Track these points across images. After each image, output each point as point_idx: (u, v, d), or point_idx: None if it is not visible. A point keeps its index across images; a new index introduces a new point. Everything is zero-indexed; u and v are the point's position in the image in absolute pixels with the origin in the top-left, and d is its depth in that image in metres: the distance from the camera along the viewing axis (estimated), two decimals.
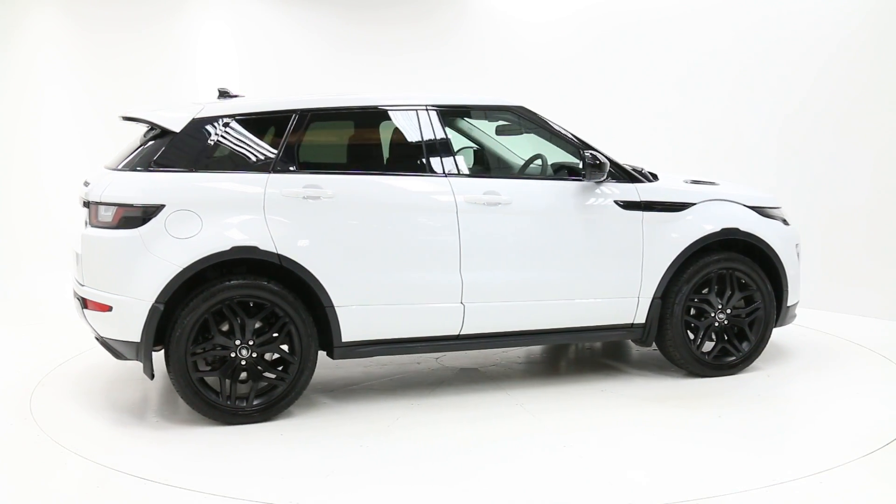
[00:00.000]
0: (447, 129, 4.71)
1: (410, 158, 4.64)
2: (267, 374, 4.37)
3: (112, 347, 4.33)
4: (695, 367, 5.00)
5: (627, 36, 8.31)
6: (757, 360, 5.18)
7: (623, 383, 4.98)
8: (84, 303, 4.34)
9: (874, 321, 6.53)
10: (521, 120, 4.93)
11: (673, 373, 5.14)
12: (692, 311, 5.07)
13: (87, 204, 4.34)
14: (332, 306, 4.36)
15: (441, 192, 4.53)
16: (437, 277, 4.51)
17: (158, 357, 4.36)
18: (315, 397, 4.77)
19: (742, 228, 5.00)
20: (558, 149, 4.93)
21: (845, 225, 6.95)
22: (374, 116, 4.74)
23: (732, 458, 3.86)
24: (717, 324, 5.03)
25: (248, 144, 4.41)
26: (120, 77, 8.59)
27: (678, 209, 4.92)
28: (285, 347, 4.41)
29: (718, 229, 4.94)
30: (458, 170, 4.63)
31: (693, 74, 7.88)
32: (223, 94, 4.74)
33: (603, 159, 4.70)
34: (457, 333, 4.60)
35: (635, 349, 5.76)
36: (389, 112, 4.72)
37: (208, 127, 4.36)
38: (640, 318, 4.89)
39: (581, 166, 4.77)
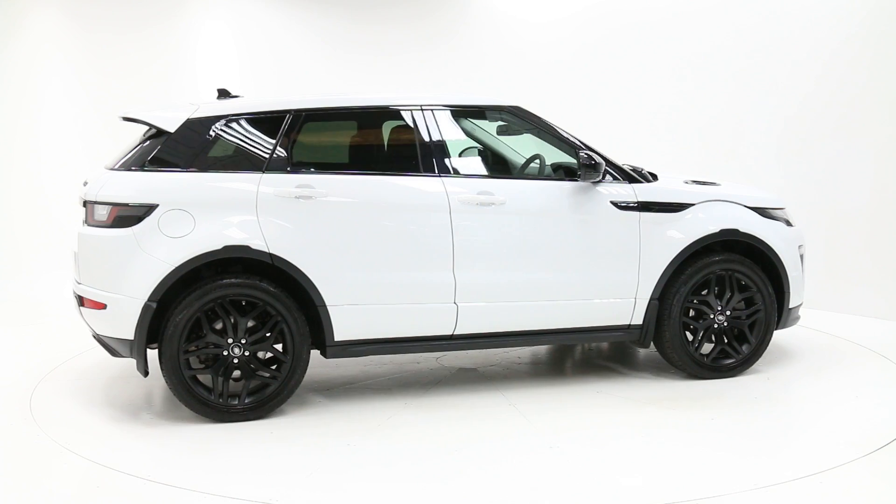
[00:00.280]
0: (450, 130, 4.71)
1: (404, 158, 4.64)
2: (260, 373, 4.39)
3: (108, 345, 4.40)
4: (693, 368, 4.97)
5: (628, 35, 8.28)
6: (756, 360, 5.14)
7: (620, 385, 4.95)
8: (81, 301, 4.41)
9: (874, 321, 6.50)
10: (516, 120, 4.91)
11: (672, 375, 5.10)
12: (691, 313, 5.03)
13: (84, 203, 4.41)
14: (325, 305, 4.37)
15: (434, 191, 4.52)
16: (430, 277, 4.50)
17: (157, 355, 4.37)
18: (309, 396, 4.77)
19: (741, 229, 4.96)
20: (556, 149, 4.91)
21: (846, 225, 6.92)
22: (367, 116, 4.76)
23: (730, 459, 3.82)
24: (716, 325, 5.00)
25: (241, 145, 4.44)
26: (120, 77, 8.59)
27: (676, 210, 4.89)
28: (279, 347, 4.42)
29: (717, 230, 4.90)
30: (451, 170, 4.63)
31: (694, 74, 7.86)
32: (223, 95, 4.78)
33: (598, 159, 4.68)
34: (451, 333, 4.59)
35: (645, 351, 5.71)
36: (383, 112, 4.73)
37: (203, 127, 4.40)
38: (637, 320, 4.86)
39: (577, 166, 4.75)
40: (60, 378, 5.22)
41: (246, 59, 9.08)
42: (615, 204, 4.78)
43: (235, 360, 4.32)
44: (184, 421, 4.36)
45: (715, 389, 4.83)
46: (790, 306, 5.13)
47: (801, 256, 5.23)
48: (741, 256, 4.99)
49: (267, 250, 4.27)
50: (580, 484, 3.55)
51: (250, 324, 4.35)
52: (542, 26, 8.79)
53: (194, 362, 4.52)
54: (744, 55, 7.51)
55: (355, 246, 4.41)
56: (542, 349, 5.84)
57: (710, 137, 7.78)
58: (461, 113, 4.95)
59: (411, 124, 4.66)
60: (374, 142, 4.84)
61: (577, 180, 4.75)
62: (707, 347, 5.06)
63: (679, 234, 4.86)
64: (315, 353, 4.61)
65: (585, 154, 4.68)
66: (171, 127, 4.38)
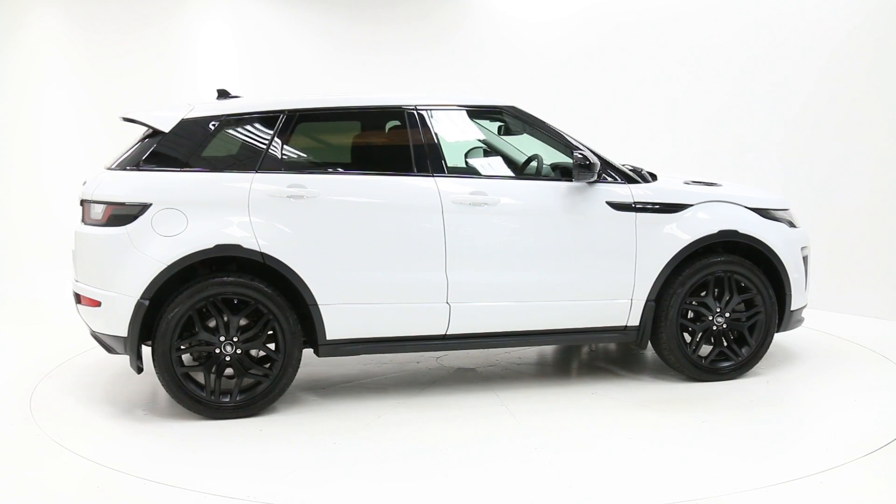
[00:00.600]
0: (444, 130, 4.70)
1: (396, 158, 4.62)
2: (253, 371, 4.40)
3: (104, 342, 4.45)
4: (691, 371, 4.93)
5: (628, 35, 8.26)
6: (756, 363, 5.08)
7: (616, 386, 4.92)
8: (78, 298, 4.47)
9: (875, 321, 6.47)
10: (513, 119, 4.88)
11: (671, 378, 5.05)
12: (689, 315, 4.99)
13: (81, 202, 4.47)
14: (317, 304, 4.37)
15: (426, 191, 4.51)
16: (422, 277, 4.49)
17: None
18: (302, 394, 4.77)
19: (741, 230, 4.90)
20: (554, 149, 4.88)
21: (847, 225, 6.89)
22: (360, 117, 4.78)
23: (728, 460, 3.79)
24: (714, 327, 4.96)
25: (235, 144, 4.46)
26: (120, 77, 8.62)
27: (674, 210, 4.84)
28: (272, 346, 4.43)
29: (716, 231, 4.85)
30: (445, 169, 4.61)
31: (695, 75, 7.83)
32: (222, 95, 4.80)
33: (593, 160, 4.64)
34: (443, 333, 4.57)
35: (650, 354, 5.66)
36: (376, 112, 4.73)
37: (197, 127, 4.43)
38: (634, 321, 4.82)
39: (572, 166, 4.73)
40: (60, 377, 5.23)
41: (246, 59, 9.10)
42: (611, 204, 4.74)
43: (227, 358, 4.34)
44: (177, 418, 4.38)
45: (713, 392, 4.79)
46: (792, 308, 5.07)
47: (805, 258, 5.16)
48: (741, 258, 4.92)
49: (258, 249, 4.28)
50: (561, 485, 3.52)
51: (242, 322, 4.36)
52: (542, 26, 8.77)
53: (188, 360, 4.53)
54: (745, 55, 7.49)
55: (347, 245, 4.40)
56: (546, 350, 5.81)
57: (713, 138, 7.75)
58: (456, 113, 4.92)
59: (405, 124, 4.64)
60: (367, 142, 4.83)
61: (571, 180, 4.72)
62: (706, 350, 5.02)
63: (676, 234, 4.81)
64: (313, 353, 4.60)
65: (580, 154, 4.65)
66: (166, 127, 4.42)
